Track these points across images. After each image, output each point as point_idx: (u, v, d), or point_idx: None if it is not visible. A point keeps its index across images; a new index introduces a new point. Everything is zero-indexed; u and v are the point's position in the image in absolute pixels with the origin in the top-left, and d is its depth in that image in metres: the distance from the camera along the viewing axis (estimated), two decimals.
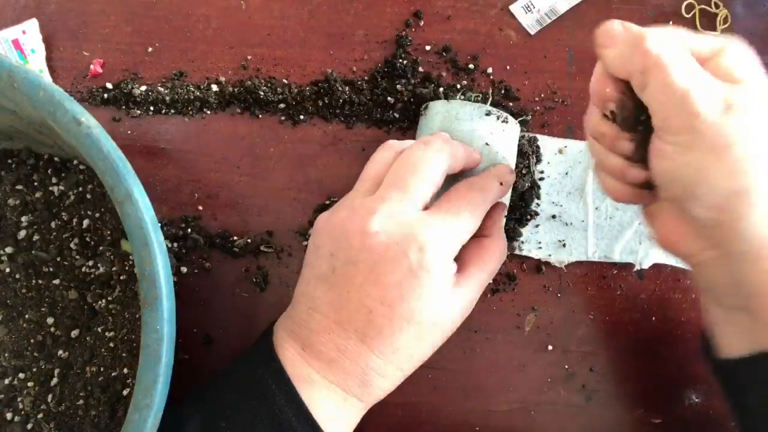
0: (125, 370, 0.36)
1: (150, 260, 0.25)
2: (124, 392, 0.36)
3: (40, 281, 0.38)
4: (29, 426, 0.36)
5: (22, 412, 0.37)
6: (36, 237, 0.38)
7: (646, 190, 0.30)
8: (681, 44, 0.26)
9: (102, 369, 0.36)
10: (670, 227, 0.30)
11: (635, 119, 0.28)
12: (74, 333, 0.37)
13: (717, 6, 0.42)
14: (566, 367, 0.39)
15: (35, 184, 0.40)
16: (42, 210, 0.38)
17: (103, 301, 0.37)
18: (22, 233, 0.38)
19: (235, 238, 0.41)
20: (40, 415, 0.36)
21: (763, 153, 0.25)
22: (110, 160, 0.26)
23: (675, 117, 0.25)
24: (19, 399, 0.37)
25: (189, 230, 0.41)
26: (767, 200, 0.25)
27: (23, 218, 0.39)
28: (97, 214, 0.38)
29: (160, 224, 0.32)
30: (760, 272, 0.26)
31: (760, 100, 0.25)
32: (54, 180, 0.40)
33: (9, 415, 0.37)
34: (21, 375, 0.37)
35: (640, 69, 0.26)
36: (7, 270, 0.38)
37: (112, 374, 0.36)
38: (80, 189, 0.39)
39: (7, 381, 0.37)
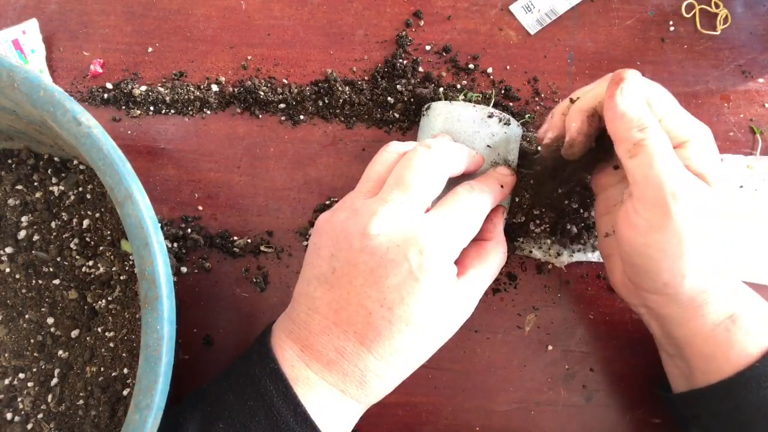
0: (125, 370, 0.36)
1: (150, 260, 0.25)
2: (124, 392, 0.36)
3: (40, 281, 0.38)
4: (29, 426, 0.36)
5: (22, 412, 0.37)
6: (36, 237, 0.38)
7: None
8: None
9: (102, 369, 0.36)
10: (619, 276, 0.35)
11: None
12: (74, 333, 0.37)
13: (717, 6, 0.42)
14: (566, 367, 0.39)
15: (35, 184, 0.39)
16: (42, 210, 0.38)
17: (103, 301, 0.37)
18: (22, 233, 0.38)
19: (235, 238, 0.41)
20: (40, 415, 0.36)
21: (703, 244, 0.29)
22: (110, 160, 0.25)
23: (650, 193, 0.29)
24: (19, 399, 0.37)
25: (189, 230, 0.41)
26: (703, 282, 0.30)
27: (23, 218, 0.39)
28: (97, 214, 0.38)
29: (160, 224, 0.32)
30: (687, 332, 0.32)
31: (720, 202, 0.30)
32: (54, 180, 0.39)
33: (9, 415, 0.37)
34: (21, 375, 0.37)
35: (632, 145, 0.30)
36: (7, 270, 0.38)
37: (112, 374, 0.36)
38: (80, 189, 0.39)
39: (7, 381, 0.37)
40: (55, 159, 0.40)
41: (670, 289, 0.31)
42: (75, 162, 0.39)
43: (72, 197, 0.38)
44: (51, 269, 0.37)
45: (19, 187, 0.39)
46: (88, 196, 0.38)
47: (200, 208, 0.41)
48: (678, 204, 0.29)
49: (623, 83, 0.30)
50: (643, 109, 0.30)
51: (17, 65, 0.28)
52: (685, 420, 0.34)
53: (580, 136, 0.33)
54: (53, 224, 0.38)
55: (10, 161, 0.40)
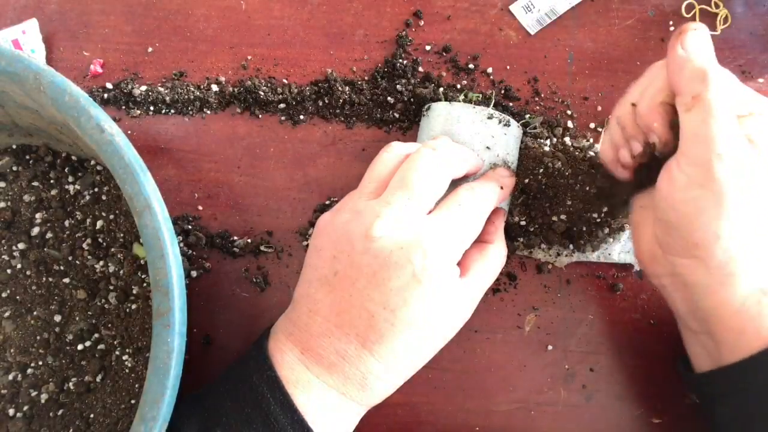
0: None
1: (164, 272, 0.29)
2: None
3: (50, 279, 0.44)
4: (31, 423, 0.42)
5: (24, 408, 0.43)
6: (49, 235, 0.45)
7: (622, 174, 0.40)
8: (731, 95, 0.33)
9: None
10: (647, 242, 0.37)
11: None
12: None
13: (717, 6, 0.48)
14: (566, 367, 0.45)
15: (51, 181, 0.45)
16: (57, 208, 0.44)
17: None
18: (36, 230, 0.45)
19: (235, 238, 0.47)
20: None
21: (743, 209, 0.32)
22: (131, 169, 0.31)
23: (696, 149, 0.32)
24: (21, 395, 0.43)
25: (189, 230, 0.47)
26: (736, 247, 0.32)
27: (37, 215, 0.45)
28: (111, 216, 0.45)
29: None
30: (716, 303, 0.33)
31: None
32: (70, 179, 0.45)
33: (11, 411, 0.42)
34: (27, 371, 0.43)
35: (690, 97, 0.33)
36: (18, 266, 0.44)
37: None
38: (96, 190, 0.45)
39: (11, 377, 0.43)
40: (73, 158, 0.46)
41: (701, 251, 0.33)
42: (92, 162, 0.46)
43: (87, 197, 0.45)
44: (62, 268, 0.44)
45: (36, 183, 0.45)
46: (104, 198, 0.45)
47: (200, 208, 0.48)
48: (722, 164, 0.31)
49: (686, 33, 0.33)
50: (706, 60, 0.32)
51: (45, 68, 0.33)
52: (710, 399, 0.36)
53: (665, 129, 0.35)
54: (67, 223, 0.45)
55: (27, 157, 0.46)
